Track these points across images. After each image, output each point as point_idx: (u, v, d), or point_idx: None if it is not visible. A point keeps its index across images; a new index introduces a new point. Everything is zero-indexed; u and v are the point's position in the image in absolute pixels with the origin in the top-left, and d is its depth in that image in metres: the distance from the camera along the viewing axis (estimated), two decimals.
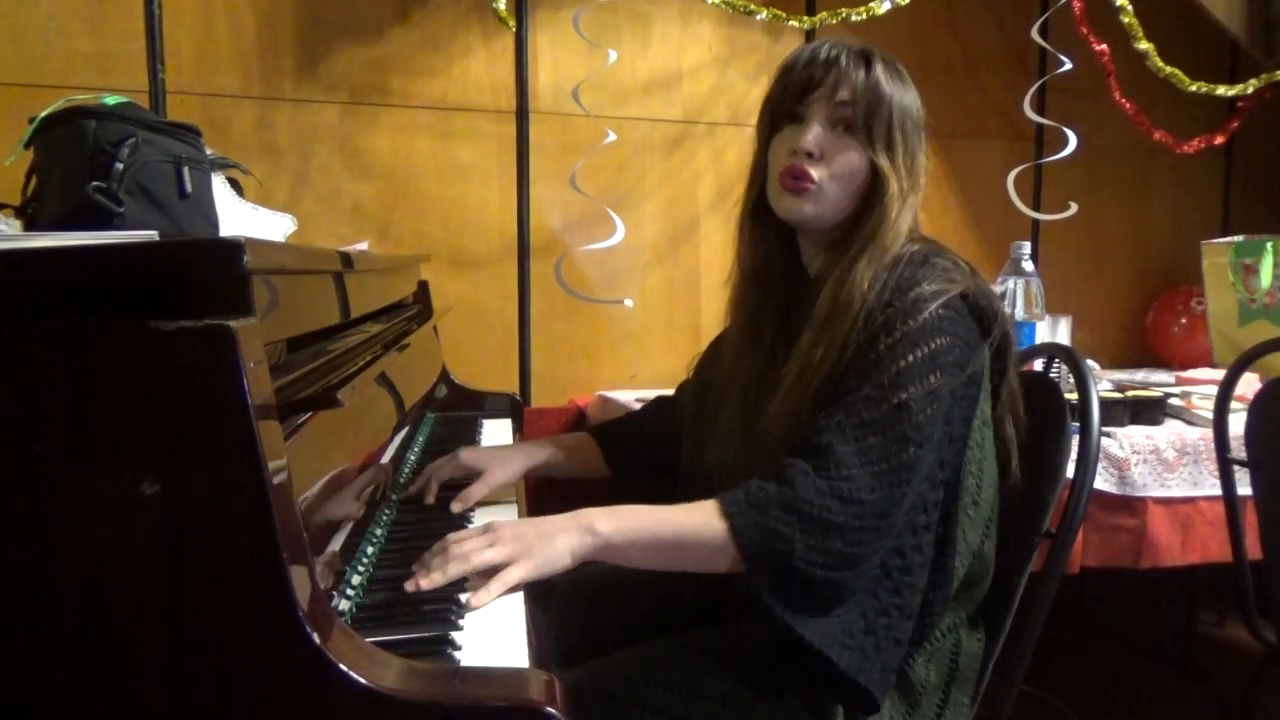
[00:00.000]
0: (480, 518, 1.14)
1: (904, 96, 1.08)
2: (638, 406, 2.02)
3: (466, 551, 0.89)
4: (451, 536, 0.92)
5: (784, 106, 1.09)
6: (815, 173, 1.06)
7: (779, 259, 1.15)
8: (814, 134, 1.06)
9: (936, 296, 0.98)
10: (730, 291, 1.19)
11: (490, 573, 0.89)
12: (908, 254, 1.03)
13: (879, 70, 1.07)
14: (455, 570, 0.88)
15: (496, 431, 1.71)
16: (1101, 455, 1.64)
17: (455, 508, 1.13)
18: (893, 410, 0.93)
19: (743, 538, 0.91)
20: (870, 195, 1.06)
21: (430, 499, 1.16)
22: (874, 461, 0.92)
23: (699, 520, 0.93)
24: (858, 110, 1.05)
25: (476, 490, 1.15)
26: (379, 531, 1.05)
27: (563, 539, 0.92)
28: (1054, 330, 2.12)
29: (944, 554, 1.00)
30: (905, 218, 1.06)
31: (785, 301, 1.14)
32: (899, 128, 1.07)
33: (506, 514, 1.16)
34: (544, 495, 1.23)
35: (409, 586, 0.87)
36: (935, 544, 1.00)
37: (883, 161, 1.05)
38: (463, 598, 0.87)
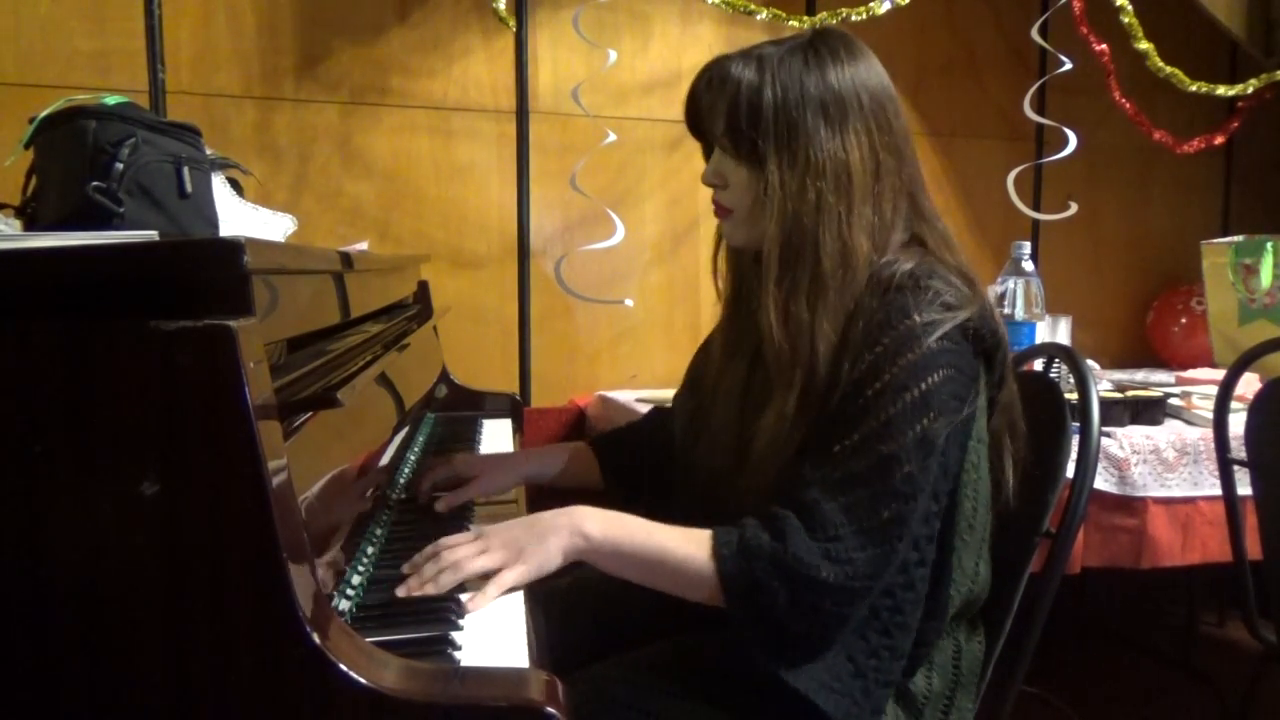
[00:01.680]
0: (479, 522, 1.14)
1: (792, 82, 0.95)
2: (638, 407, 2.04)
3: (459, 559, 0.89)
4: (443, 542, 0.92)
5: (704, 148, 1.07)
6: (725, 201, 1.02)
7: (744, 279, 1.11)
8: (709, 166, 1.03)
9: (930, 329, 0.90)
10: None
11: (484, 576, 0.89)
12: (897, 275, 0.93)
13: (737, 69, 0.96)
14: (448, 580, 0.87)
15: (496, 431, 1.71)
16: (1101, 455, 1.64)
17: (439, 507, 1.13)
18: (881, 463, 0.87)
19: (728, 583, 0.88)
20: None
21: (423, 499, 1.16)
22: (862, 518, 0.87)
23: (689, 550, 0.90)
24: (723, 129, 0.99)
25: (465, 493, 1.15)
26: (379, 531, 1.05)
27: (554, 539, 0.91)
28: (1054, 330, 2.12)
29: (940, 585, 0.96)
30: (834, 226, 0.94)
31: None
32: (777, 125, 0.94)
33: (506, 518, 1.16)
34: (547, 501, 1.22)
35: (402, 592, 0.87)
36: (930, 574, 0.96)
37: (767, 174, 0.96)
38: (463, 598, 0.87)
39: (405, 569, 0.90)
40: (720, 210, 1.04)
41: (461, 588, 0.89)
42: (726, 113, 0.97)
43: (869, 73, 0.98)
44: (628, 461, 1.26)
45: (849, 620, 0.89)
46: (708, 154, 1.06)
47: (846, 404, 0.91)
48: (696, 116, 1.03)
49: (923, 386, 0.89)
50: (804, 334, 0.94)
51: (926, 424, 0.88)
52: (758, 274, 1.06)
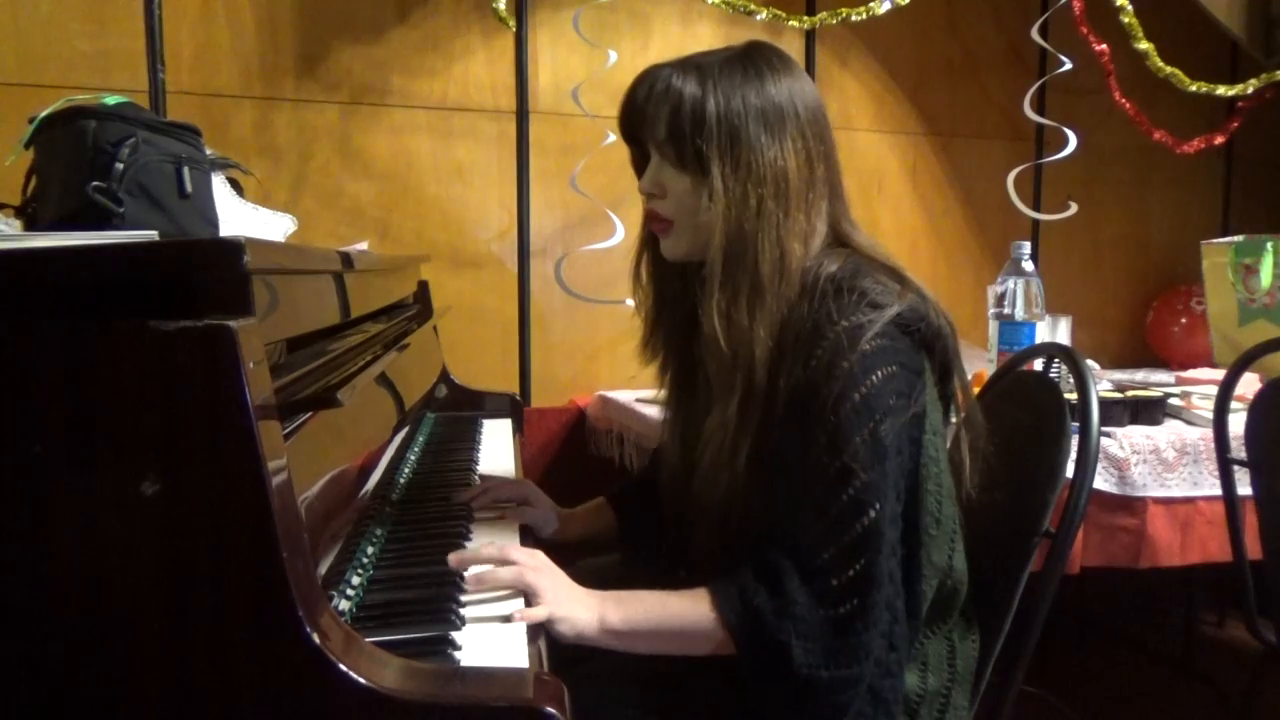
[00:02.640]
0: (477, 529, 1.14)
1: (732, 94, 0.96)
2: (638, 407, 2.04)
3: (520, 563, 0.91)
4: (507, 545, 0.96)
5: (634, 157, 1.07)
6: (662, 210, 1.01)
7: (670, 294, 1.10)
8: (646, 174, 1.02)
9: (860, 331, 0.89)
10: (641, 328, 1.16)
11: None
12: (820, 281, 0.93)
13: (677, 81, 0.97)
14: (507, 576, 0.90)
15: (496, 431, 1.71)
16: (1101, 455, 1.64)
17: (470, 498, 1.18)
18: (838, 478, 0.87)
19: (743, 649, 0.88)
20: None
21: (477, 506, 1.18)
22: (837, 539, 0.87)
23: (698, 615, 0.90)
24: (665, 136, 0.98)
25: (522, 515, 1.19)
26: (379, 531, 1.05)
27: (582, 616, 0.91)
28: (1054, 330, 2.12)
29: (910, 579, 0.96)
30: (773, 233, 0.95)
31: (689, 335, 1.08)
32: (719, 134, 0.95)
33: (503, 533, 1.16)
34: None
35: (453, 561, 0.93)
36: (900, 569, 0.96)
37: (706, 180, 0.96)
38: (469, 588, 0.89)
39: (467, 554, 0.94)
40: (658, 221, 1.02)
41: (460, 588, 0.89)
42: (669, 120, 0.97)
43: (802, 85, 1.00)
44: (639, 512, 1.27)
45: (863, 649, 0.88)
46: (639, 164, 1.06)
47: (792, 422, 0.91)
48: (635, 124, 1.02)
49: (863, 390, 0.88)
50: (744, 340, 0.94)
51: (873, 427, 0.88)
52: (685, 285, 1.07)
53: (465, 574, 0.92)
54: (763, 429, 0.94)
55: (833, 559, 0.87)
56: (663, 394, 1.17)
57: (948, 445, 1.02)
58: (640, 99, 1.00)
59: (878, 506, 0.87)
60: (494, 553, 0.92)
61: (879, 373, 0.89)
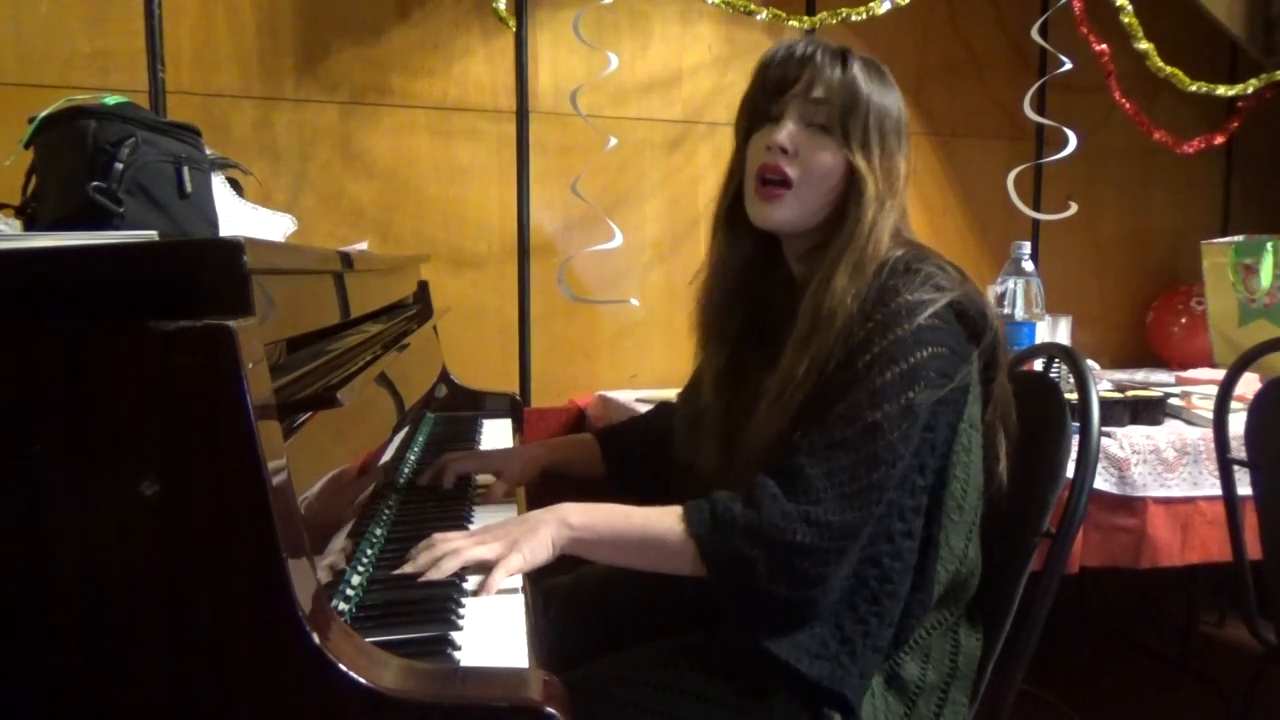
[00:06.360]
0: (480, 516, 1.14)
1: (883, 97, 1.04)
2: (638, 406, 2.04)
3: (458, 547, 0.92)
4: (438, 536, 0.94)
5: (760, 105, 1.08)
6: (790, 170, 1.04)
7: (752, 263, 1.13)
8: (787, 130, 1.04)
9: (921, 307, 0.95)
10: (697, 292, 1.17)
11: (480, 569, 0.91)
12: (891, 260, 1.00)
13: (856, 68, 1.04)
14: (450, 565, 0.90)
15: (496, 431, 1.71)
16: (1101, 455, 1.64)
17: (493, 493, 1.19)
18: (865, 430, 0.92)
19: (709, 559, 0.92)
20: (847, 198, 1.04)
21: (448, 484, 1.20)
22: (843, 483, 0.92)
23: (666, 525, 0.95)
24: (833, 108, 1.03)
25: (498, 489, 1.20)
26: (379, 532, 1.05)
27: (544, 530, 0.95)
28: (1054, 330, 2.12)
29: (926, 558, 1.00)
30: (885, 222, 1.02)
31: (759, 306, 1.14)
32: (875, 128, 1.03)
33: (506, 514, 1.16)
34: (545, 499, 1.24)
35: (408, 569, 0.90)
36: (918, 548, 0.99)
37: (859, 161, 1.02)
38: (467, 587, 0.88)
39: (408, 567, 0.92)
40: (777, 184, 1.04)
41: (461, 588, 0.89)
42: (844, 93, 1.02)
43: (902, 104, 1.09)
44: (626, 453, 1.31)
45: (826, 579, 0.93)
46: (747, 134, 1.09)
47: (838, 374, 0.97)
48: (791, 82, 1.05)
49: (910, 360, 0.94)
50: (839, 305, 0.99)
51: (912, 395, 0.94)
52: (764, 251, 1.12)
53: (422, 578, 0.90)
54: (815, 387, 0.98)
55: (835, 498, 0.91)
56: (713, 365, 1.17)
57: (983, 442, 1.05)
58: (808, 60, 1.04)
59: (895, 466, 0.93)
60: (427, 559, 0.91)
61: (928, 349, 0.95)
